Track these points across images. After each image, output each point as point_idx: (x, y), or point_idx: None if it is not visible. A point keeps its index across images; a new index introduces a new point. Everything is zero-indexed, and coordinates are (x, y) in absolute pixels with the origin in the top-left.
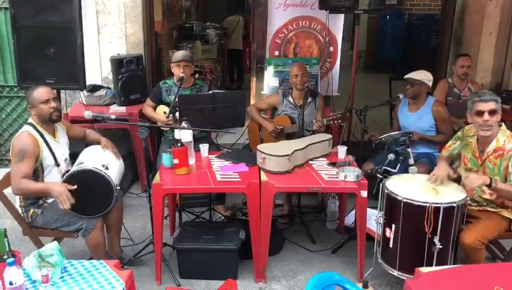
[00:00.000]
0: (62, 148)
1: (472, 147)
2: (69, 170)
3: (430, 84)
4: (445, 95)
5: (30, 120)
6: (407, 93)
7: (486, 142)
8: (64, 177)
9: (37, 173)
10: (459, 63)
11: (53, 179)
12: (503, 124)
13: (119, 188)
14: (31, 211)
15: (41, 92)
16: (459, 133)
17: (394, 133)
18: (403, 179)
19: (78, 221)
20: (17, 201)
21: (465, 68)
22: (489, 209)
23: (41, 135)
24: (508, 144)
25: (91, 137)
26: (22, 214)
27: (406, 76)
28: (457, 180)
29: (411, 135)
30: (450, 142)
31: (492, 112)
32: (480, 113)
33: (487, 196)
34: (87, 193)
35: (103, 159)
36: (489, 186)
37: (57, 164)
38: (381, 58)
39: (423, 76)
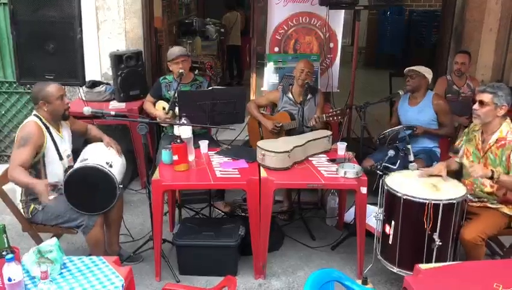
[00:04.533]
0: (65, 144)
1: (476, 140)
2: (71, 166)
3: (430, 78)
4: (445, 92)
5: (36, 112)
6: (407, 85)
7: (489, 134)
8: (68, 173)
9: (37, 167)
10: (455, 59)
11: (56, 173)
12: (508, 118)
13: (121, 186)
14: (32, 206)
15: (56, 89)
16: (466, 130)
17: (397, 127)
18: (403, 176)
19: (79, 217)
20: (17, 196)
21: (459, 65)
22: (489, 205)
23: (47, 128)
24: (510, 134)
25: (93, 133)
26: (22, 210)
27: (406, 69)
28: (458, 177)
29: (415, 129)
30: (458, 140)
31: (481, 103)
32: (474, 102)
33: (488, 189)
34: (90, 189)
35: (107, 157)
36: (491, 179)
37: (61, 158)
38: (382, 55)
39: (423, 69)
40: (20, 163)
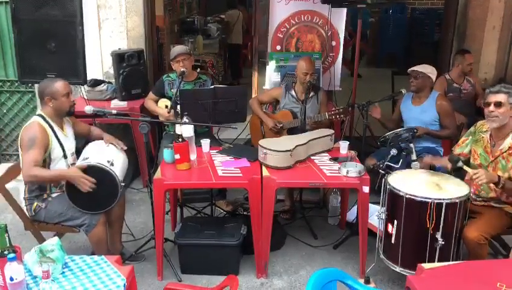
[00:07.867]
0: (70, 142)
1: (484, 142)
2: (74, 164)
3: (434, 77)
4: (445, 92)
5: (39, 112)
6: (412, 86)
7: (500, 138)
8: None
9: (43, 166)
10: (466, 61)
11: None
12: None
13: (123, 184)
14: (35, 204)
15: (63, 86)
16: (472, 129)
17: (398, 130)
18: (406, 175)
19: (81, 216)
20: (21, 193)
21: (471, 65)
22: (493, 204)
23: (51, 127)
24: None
25: (95, 133)
26: (25, 208)
27: (409, 69)
28: (460, 177)
29: (415, 130)
30: (463, 138)
31: (497, 104)
32: (487, 104)
33: (492, 194)
34: (92, 188)
35: (108, 155)
36: (497, 184)
37: (65, 156)
38: (384, 53)
39: (427, 69)
40: (34, 164)
